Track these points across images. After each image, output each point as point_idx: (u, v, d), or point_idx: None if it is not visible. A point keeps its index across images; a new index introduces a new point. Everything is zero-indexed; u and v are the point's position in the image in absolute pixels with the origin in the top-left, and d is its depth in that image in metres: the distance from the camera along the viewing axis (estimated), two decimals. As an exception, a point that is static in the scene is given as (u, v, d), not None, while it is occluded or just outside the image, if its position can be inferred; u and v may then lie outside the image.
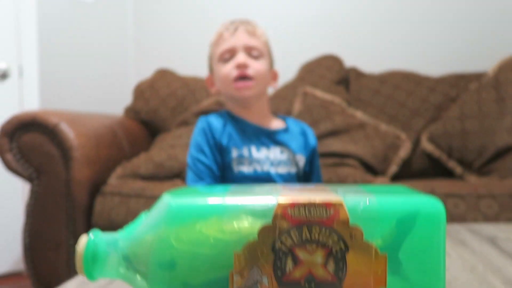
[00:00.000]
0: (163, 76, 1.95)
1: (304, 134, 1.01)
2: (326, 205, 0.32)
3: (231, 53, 0.94)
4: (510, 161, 1.48)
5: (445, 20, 2.04)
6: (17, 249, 1.94)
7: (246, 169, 0.90)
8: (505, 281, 0.51)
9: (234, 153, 0.91)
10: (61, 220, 1.37)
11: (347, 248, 0.32)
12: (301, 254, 0.32)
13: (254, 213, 0.34)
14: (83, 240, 0.37)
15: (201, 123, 0.95)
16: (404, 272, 0.33)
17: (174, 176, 1.51)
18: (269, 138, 0.95)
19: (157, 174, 1.50)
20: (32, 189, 1.39)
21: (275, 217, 0.32)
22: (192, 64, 2.14)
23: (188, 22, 2.22)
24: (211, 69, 1.00)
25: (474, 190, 1.24)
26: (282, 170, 0.92)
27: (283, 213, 0.32)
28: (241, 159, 0.90)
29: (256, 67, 0.93)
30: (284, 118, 1.04)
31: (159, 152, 1.57)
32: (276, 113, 1.10)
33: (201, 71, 2.03)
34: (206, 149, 0.91)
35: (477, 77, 1.75)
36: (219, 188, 0.39)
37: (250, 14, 2.13)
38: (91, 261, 0.36)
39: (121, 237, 0.37)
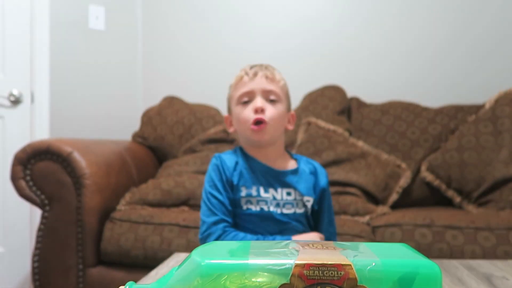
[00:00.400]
0: (171, 103, 2.01)
1: (315, 174, 1.05)
2: (338, 267, 0.37)
3: (249, 96, 0.97)
4: (507, 192, 1.52)
5: (445, 53, 2.11)
6: (24, 270, 1.97)
7: (253, 207, 0.95)
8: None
9: (243, 192, 0.96)
10: (70, 245, 1.41)
11: (355, 305, 0.37)
12: (316, 307, 0.37)
13: (274, 272, 0.38)
14: (121, 290, 0.41)
15: (215, 160, 1.00)
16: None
17: (181, 203, 1.56)
18: (278, 179, 0.99)
19: (164, 201, 1.54)
20: (43, 215, 1.43)
21: (292, 277, 0.37)
22: (199, 92, 2.21)
23: (196, 50, 2.30)
24: (230, 110, 1.04)
25: (472, 222, 1.29)
26: (288, 210, 0.96)
27: (300, 273, 0.37)
28: (249, 198, 0.95)
29: (272, 112, 0.96)
30: (297, 158, 1.07)
31: (167, 179, 1.62)
32: (290, 150, 1.14)
33: (207, 99, 2.09)
34: (219, 185, 0.96)
35: (475, 109, 1.81)
36: (241, 246, 0.44)
37: (256, 44, 2.20)
38: (129, 309, 0.41)
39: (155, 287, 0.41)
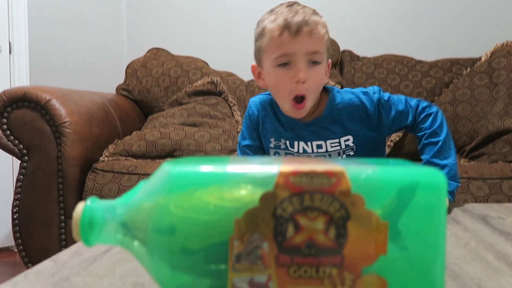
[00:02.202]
0: (156, 55, 1.93)
1: (353, 107, 0.89)
2: (328, 174, 0.32)
3: (289, 58, 0.82)
4: (500, 145, 1.49)
5: (440, 5, 2.03)
6: (7, 225, 1.93)
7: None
8: (497, 256, 0.52)
9: (272, 143, 0.91)
10: (51, 196, 1.36)
11: (348, 215, 0.32)
12: (302, 220, 0.32)
13: (255, 181, 0.33)
14: (80, 206, 0.36)
15: (248, 109, 0.95)
16: (404, 242, 0.33)
17: (167, 155, 1.50)
18: (307, 131, 0.90)
19: (149, 152, 1.49)
20: (22, 166, 1.37)
21: (277, 185, 0.32)
22: (185, 44, 2.12)
23: (182, 0, 2.19)
24: (259, 61, 0.88)
25: (464, 172, 1.26)
26: None
27: (285, 181, 0.32)
28: (277, 149, 0.90)
29: (314, 80, 0.83)
30: (337, 95, 0.90)
31: (152, 131, 1.56)
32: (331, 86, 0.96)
33: (194, 51, 2.00)
34: (251, 133, 0.92)
35: (471, 62, 1.76)
36: (220, 158, 0.39)
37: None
38: (88, 227, 0.36)
39: (119, 204, 0.36)
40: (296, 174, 0.32)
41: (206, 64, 1.92)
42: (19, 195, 1.37)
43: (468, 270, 0.48)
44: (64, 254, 0.57)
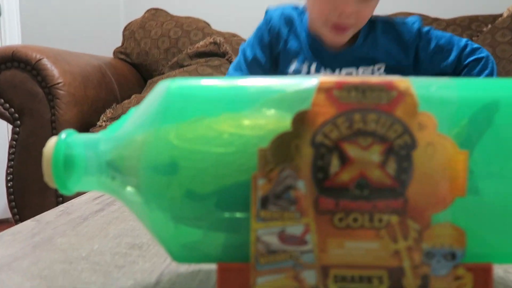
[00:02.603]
0: (155, 15, 1.82)
1: (389, 35, 0.80)
2: (387, 86, 0.23)
3: None
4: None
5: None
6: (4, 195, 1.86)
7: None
8: None
9: (292, 67, 0.78)
10: (47, 164, 1.28)
11: (414, 142, 0.23)
12: (351, 150, 0.23)
13: (285, 100, 0.24)
14: (52, 141, 0.27)
15: (266, 20, 0.81)
16: (485, 178, 0.24)
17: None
18: (340, 57, 0.80)
19: (149, 117, 1.40)
20: (15, 131, 1.29)
21: (316, 102, 0.23)
22: (185, 4, 2.00)
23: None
24: None
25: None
26: None
27: (327, 96, 0.23)
28: (297, 74, 0.79)
29: (363, 15, 0.74)
30: (373, 22, 0.81)
31: (152, 94, 1.47)
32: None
33: (194, 12, 1.89)
34: (264, 49, 0.79)
35: (491, 19, 1.64)
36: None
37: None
38: (63, 168, 0.27)
39: (103, 137, 0.28)
40: (342, 86, 0.23)
41: (208, 24, 1.81)
42: (12, 162, 1.30)
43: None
44: (50, 214, 0.49)
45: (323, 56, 0.80)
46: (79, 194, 1.17)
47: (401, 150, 0.23)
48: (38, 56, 1.25)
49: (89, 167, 0.27)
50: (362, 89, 0.23)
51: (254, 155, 0.24)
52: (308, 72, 0.78)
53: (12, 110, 1.27)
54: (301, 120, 0.23)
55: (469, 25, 1.66)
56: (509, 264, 0.32)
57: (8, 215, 1.89)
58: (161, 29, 1.76)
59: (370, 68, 0.79)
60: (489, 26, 1.58)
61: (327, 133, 0.23)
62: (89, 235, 0.41)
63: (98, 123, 1.35)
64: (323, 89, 0.23)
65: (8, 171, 1.30)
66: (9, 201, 1.31)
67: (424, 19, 1.71)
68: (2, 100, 1.27)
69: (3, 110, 1.27)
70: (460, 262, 0.24)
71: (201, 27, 1.76)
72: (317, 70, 0.79)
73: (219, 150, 0.25)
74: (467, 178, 0.23)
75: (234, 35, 1.79)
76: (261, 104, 0.25)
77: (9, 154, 1.30)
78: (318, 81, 0.24)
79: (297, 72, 0.78)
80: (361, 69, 0.78)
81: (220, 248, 0.26)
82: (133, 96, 1.49)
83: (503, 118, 0.24)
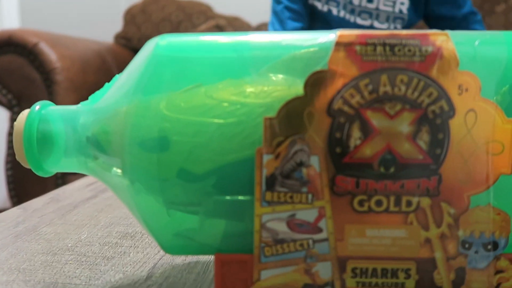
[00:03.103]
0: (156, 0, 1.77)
1: None
2: (421, 39, 0.19)
3: None
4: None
5: None
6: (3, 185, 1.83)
7: (319, 5, 0.75)
8: None
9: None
10: (46, 151, 1.25)
11: (452, 109, 0.19)
12: (375, 119, 0.19)
13: (296, 61, 0.21)
14: (24, 114, 0.24)
15: None
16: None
17: (170, 105, 1.38)
18: None
19: (151, 103, 1.36)
20: (12, 117, 1.25)
21: (334, 61, 0.19)
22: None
23: None
24: None
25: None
26: (363, 21, 0.75)
27: (347, 53, 0.19)
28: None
29: None
30: None
31: (153, 80, 1.43)
32: None
33: (197, -6, 1.83)
34: None
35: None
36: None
37: None
38: (37, 145, 0.23)
39: (84, 109, 0.24)
40: (366, 41, 0.19)
41: (210, 8, 1.75)
42: (11, 150, 1.26)
43: None
44: (38, 201, 0.45)
45: None
46: (72, 179, 1.12)
47: (436, 118, 0.19)
48: (35, 41, 1.21)
49: (68, 144, 0.24)
50: (390, 44, 0.19)
51: (259, 126, 0.20)
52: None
53: (10, 96, 1.24)
54: (315, 82, 0.19)
55: (481, 5, 1.60)
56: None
57: (8, 204, 1.87)
58: (162, 13, 1.71)
59: (389, 8, 0.76)
60: (503, 5, 1.52)
61: (347, 98, 0.19)
62: (78, 224, 0.37)
63: (98, 110, 1.32)
64: (342, 45, 0.19)
65: (8, 159, 1.27)
66: (9, 189, 1.28)
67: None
68: (0, 86, 1.23)
69: (1, 96, 1.24)
70: (502, 252, 0.20)
71: (203, 10, 1.71)
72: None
73: (218, 121, 0.21)
74: (514, 152, 0.19)
75: (236, 18, 1.74)
76: (269, 67, 0.21)
77: (8, 141, 1.27)
78: (336, 35, 0.20)
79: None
80: (377, 2, 0.75)
81: (219, 238, 0.22)
82: (134, 82, 1.45)
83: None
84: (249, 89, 0.21)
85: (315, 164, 0.20)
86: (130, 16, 1.75)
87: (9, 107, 1.25)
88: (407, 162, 0.19)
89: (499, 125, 0.19)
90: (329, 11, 0.73)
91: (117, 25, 1.93)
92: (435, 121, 0.19)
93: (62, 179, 1.27)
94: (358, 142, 0.19)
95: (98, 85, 1.35)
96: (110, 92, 0.23)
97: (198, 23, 1.66)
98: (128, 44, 1.73)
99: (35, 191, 1.26)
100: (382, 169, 0.19)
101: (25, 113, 0.24)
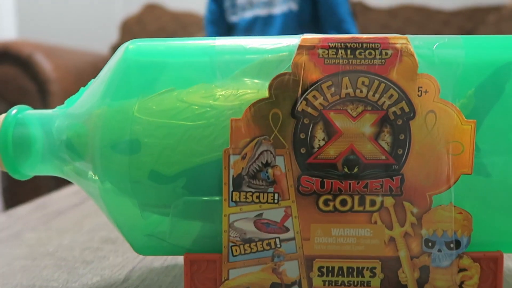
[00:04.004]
0: (152, 10, 1.79)
1: None
2: (381, 43, 0.20)
3: None
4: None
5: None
6: None
7: (234, 18, 0.80)
8: None
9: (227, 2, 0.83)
10: (40, 161, 1.25)
11: (412, 111, 0.20)
12: (338, 120, 0.20)
13: (263, 65, 0.21)
14: (0, 118, 0.24)
15: None
16: (488, 154, 0.21)
17: (164, 115, 1.39)
18: None
19: (145, 113, 1.37)
20: (7, 128, 1.26)
21: (297, 64, 0.20)
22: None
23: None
24: None
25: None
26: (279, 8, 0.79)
27: (310, 56, 0.20)
28: (232, 9, 0.81)
29: None
30: None
31: (148, 90, 1.44)
32: None
33: (192, 5, 1.85)
34: None
35: (496, 10, 1.60)
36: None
37: None
38: (13, 148, 0.24)
39: (59, 114, 0.24)
40: (327, 44, 0.20)
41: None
42: (5, 160, 1.27)
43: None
44: (24, 208, 0.45)
45: None
46: (58, 186, 1.11)
47: (397, 119, 0.20)
48: (30, 51, 1.22)
49: (44, 147, 0.24)
50: (352, 47, 0.20)
51: (227, 128, 0.20)
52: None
53: (5, 106, 1.24)
54: (279, 85, 0.20)
55: (473, 15, 1.62)
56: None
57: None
58: (158, 24, 1.73)
59: None
60: (494, 15, 1.54)
61: (310, 100, 0.20)
62: (61, 230, 0.38)
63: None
64: (305, 48, 0.20)
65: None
66: (4, 199, 1.28)
67: (427, 10, 1.67)
68: (-6, 96, 1.24)
69: (-5, 106, 1.25)
70: (465, 251, 0.21)
71: (197, 21, 1.73)
72: None
73: (187, 124, 0.21)
74: (474, 153, 0.20)
75: (232, 30, 1.76)
76: (240, 71, 0.22)
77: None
78: (299, 39, 0.20)
79: (232, 5, 0.79)
80: None
81: (191, 239, 0.23)
82: (128, 92, 1.46)
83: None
84: (219, 93, 0.22)
85: (281, 164, 0.20)
86: (126, 26, 1.77)
87: (3, 117, 1.26)
88: (370, 162, 0.20)
89: (459, 126, 0.20)
90: (241, 19, 0.78)
91: (113, 36, 1.94)
92: (396, 122, 0.20)
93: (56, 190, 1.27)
94: (322, 143, 0.20)
95: (92, 95, 1.36)
96: (84, 96, 0.24)
97: (193, 33, 1.68)
98: (124, 55, 1.75)
99: (27, 201, 1.26)
100: (346, 169, 0.20)
101: (1, 117, 0.24)
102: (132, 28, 1.75)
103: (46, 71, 1.22)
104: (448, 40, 0.20)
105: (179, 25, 1.71)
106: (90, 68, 1.42)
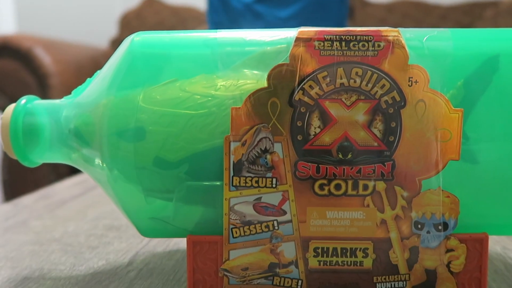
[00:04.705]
0: (151, 4, 1.79)
1: None
2: (374, 36, 0.21)
3: None
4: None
5: None
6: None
7: None
8: None
9: None
10: (41, 155, 1.26)
11: (404, 100, 0.21)
12: (333, 108, 0.21)
13: (262, 57, 0.22)
14: (11, 108, 0.25)
15: None
16: (481, 142, 0.22)
17: (164, 109, 1.40)
18: None
19: (145, 106, 1.38)
20: (8, 121, 1.27)
21: (294, 55, 0.21)
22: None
23: None
24: None
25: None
26: None
27: (307, 48, 0.21)
28: None
29: None
30: None
31: (147, 84, 1.45)
32: None
33: (191, 0, 1.86)
34: None
35: (493, 4, 1.61)
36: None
37: None
38: (23, 137, 0.25)
39: (66, 103, 0.26)
40: (323, 37, 0.21)
41: (203, 13, 1.78)
42: (4, 153, 1.27)
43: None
44: (28, 198, 0.47)
45: None
46: (59, 176, 1.12)
47: (388, 108, 0.21)
48: (30, 45, 1.22)
49: (52, 136, 0.25)
50: (346, 39, 0.21)
51: (228, 116, 0.22)
52: None
53: (5, 99, 1.25)
54: (277, 75, 0.21)
55: (471, 10, 1.63)
56: (505, 235, 0.30)
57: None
58: (157, 18, 1.73)
59: None
60: (492, 10, 1.54)
61: (306, 89, 0.21)
62: (66, 218, 0.39)
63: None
64: (302, 40, 0.21)
65: (4, 164, 1.28)
66: (5, 194, 1.29)
67: (425, 5, 1.68)
68: (-5, 90, 1.25)
69: (-5, 100, 1.25)
70: (452, 232, 0.22)
71: (197, 16, 1.74)
72: None
73: (190, 112, 0.22)
74: (461, 140, 0.21)
75: (231, 24, 1.76)
76: (241, 63, 0.23)
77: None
78: (296, 32, 0.21)
79: None
80: None
81: (194, 222, 0.24)
82: (128, 86, 1.47)
83: (505, 75, 0.22)
84: (220, 83, 0.23)
85: (279, 150, 0.21)
86: (126, 21, 1.77)
87: (3, 110, 1.27)
88: (363, 149, 0.21)
89: (447, 114, 0.21)
90: None
91: (113, 30, 1.95)
92: (388, 111, 0.21)
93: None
94: (318, 130, 0.21)
95: (92, 89, 1.37)
96: (91, 86, 0.25)
97: (192, 27, 1.69)
98: (123, 49, 1.75)
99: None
100: (340, 155, 0.21)
101: (11, 106, 0.25)
102: (131, 23, 1.75)
103: (46, 65, 1.22)
104: (437, 33, 0.22)
105: (178, 20, 1.72)
106: (90, 62, 1.43)
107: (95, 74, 0.26)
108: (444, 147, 0.21)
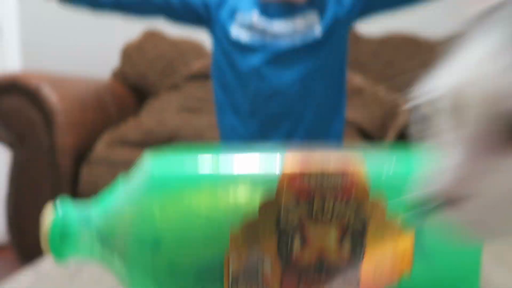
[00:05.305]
0: (151, 37, 1.86)
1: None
2: (342, 174, 0.27)
3: None
4: None
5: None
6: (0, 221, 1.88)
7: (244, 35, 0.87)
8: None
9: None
10: (45, 190, 1.31)
11: (365, 225, 0.26)
12: (311, 232, 0.27)
13: (254, 184, 0.28)
14: (49, 216, 0.31)
15: None
16: (432, 255, 0.28)
17: (164, 143, 1.45)
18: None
19: (146, 141, 1.44)
20: (15, 157, 1.32)
21: (279, 190, 0.27)
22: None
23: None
24: None
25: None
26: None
27: (289, 184, 0.27)
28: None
29: None
30: None
31: (148, 118, 1.50)
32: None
33: (191, 33, 1.93)
34: None
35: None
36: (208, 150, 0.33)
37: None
38: (59, 240, 0.30)
39: (95, 211, 0.31)
40: (302, 176, 0.27)
41: (202, 45, 1.85)
42: (11, 190, 1.32)
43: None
44: (47, 263, 0.52)
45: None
46: None
47: (355, 232, 0.26)
48: (37, 83, 1.28)
49: (82, 239, 0.31)
50: (321, 177, 0.27)
51: (227, 235, 0.27)
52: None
53: (12, 136, 1.31)
54: (266, 207, 0.27)
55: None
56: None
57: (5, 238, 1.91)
58: (156, 50, 1.80)
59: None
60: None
61: (289, 217, 0.26)
62: (86, 286, 0.44)
63: (95, 148, 1.38)
64: (286, 178, 0.27)
65: (9, 198, 1.33)
66: (9, 227, 1.34)
67: (416, 40, 1.75)
68: (3, 127, 1.30)
69: (3, 136, 1.31)
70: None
71: (196, 49, 1.80)
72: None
73: (197, 229, 0.28)
74: (412, 255, 0.27)
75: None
76: (234, 184, 0.29)
77: (9, 180, 1.33)
78: (282, 169, 0.27)
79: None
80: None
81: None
82: (129, 120, 1.52)
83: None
84: (221, 202, 0.28)
85: (267, 265, 0.27)
86: (127, 54, 1.83)
87: (11, 146, 1.32)
88: (335, 264, 0.27)
89: (400, 237, 0.26)
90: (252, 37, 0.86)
91: (115, 60, 2.01)
92: (354, 234, 0.26)
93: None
94: (299, 249, 0.27)
95: (95, 124, 1.43)
96: (116, 197, 0.31)
97: (190, 60, 1.75)
98: (125, 81, 1.81)
99: (32, 229, 1.31)
100: (317, 269, 0.27)
101: (49, 214, 0.31)
102: (132, 55, 1.82)
103: (52, 102, 1.28)
104: (395, 169, 0.27)
105: (177, 52, 1.78)
106: (93, 96, 1.49)
107: (118, 181, 0.31)
108: (399, 261, 0.27)
